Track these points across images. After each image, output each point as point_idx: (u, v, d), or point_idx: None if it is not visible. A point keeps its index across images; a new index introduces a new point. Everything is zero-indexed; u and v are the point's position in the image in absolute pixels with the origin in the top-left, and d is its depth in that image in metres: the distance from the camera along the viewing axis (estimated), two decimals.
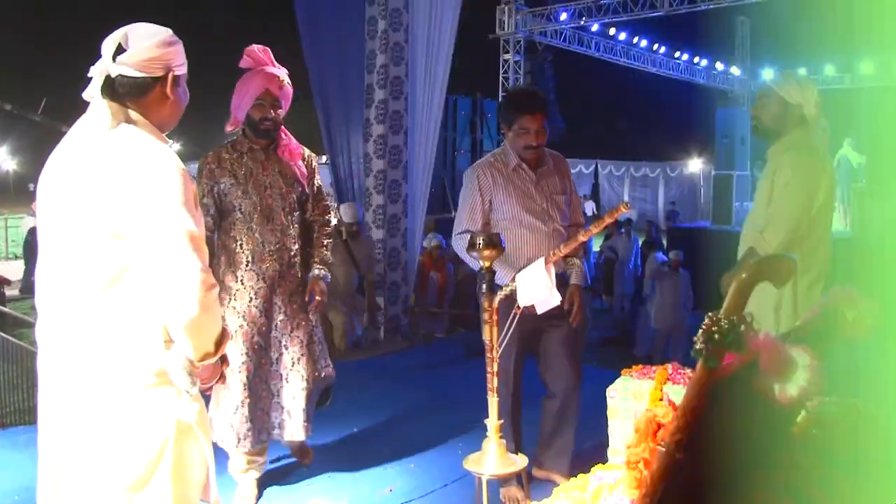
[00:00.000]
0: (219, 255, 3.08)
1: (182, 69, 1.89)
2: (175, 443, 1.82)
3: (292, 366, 3.13)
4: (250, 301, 3.05)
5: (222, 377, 2.00)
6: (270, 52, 3.09)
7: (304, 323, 3.15)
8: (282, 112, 3.11)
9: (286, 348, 3.12)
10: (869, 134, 12.98)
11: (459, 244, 3.08)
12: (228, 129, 3.15)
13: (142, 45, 1.80)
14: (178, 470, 1.83)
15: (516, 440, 3.17)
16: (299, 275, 3.17)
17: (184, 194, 1.74)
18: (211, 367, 1.89)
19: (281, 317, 3.11)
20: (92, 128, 1.80)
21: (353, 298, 6.45)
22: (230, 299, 3.04)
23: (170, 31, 1.86)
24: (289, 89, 3.12)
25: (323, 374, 3.25)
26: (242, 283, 3.05)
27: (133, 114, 1.82)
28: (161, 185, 1.72)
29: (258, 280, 3.05)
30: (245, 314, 3.04)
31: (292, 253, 3.13)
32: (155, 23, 1.89)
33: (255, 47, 3.05)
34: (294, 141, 3.21)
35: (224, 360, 1.98)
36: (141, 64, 1.79)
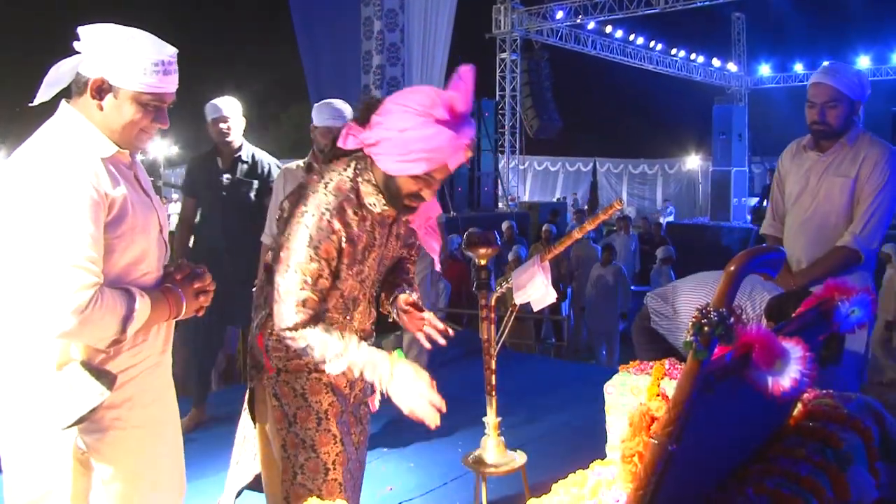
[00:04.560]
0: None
1: (128, 84, 1.67)
2: (74, 473, 1.68)
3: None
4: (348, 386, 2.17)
5: (200, 303, 1.84)
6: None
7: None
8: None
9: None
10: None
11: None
12: (349, 145, 1.91)
13: (85, 42, 1.69)
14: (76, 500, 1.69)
15: None
16: None
17: (60, 210, 1.57)
18: (168, 304, 1.73)
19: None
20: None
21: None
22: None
23: (127, 35, 1.67)
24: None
25: None
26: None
27: (75, 113, 1.70)
28: (35, 199, 1.58)
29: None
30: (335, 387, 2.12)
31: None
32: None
33: (468, 79, 1.82)
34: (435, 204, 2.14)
35: (191, 278, 1.82)
36: (84, 60, 1.69)
